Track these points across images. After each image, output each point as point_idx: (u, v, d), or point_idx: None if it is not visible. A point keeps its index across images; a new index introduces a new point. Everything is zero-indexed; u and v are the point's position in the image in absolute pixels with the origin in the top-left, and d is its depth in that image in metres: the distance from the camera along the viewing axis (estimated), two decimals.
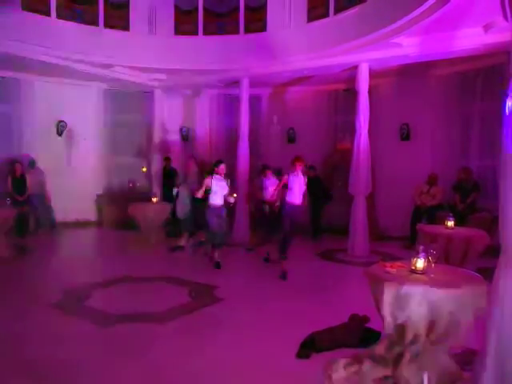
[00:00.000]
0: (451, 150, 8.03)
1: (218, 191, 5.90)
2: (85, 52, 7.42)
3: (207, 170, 6.78)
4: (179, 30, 8.05)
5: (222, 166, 6.01)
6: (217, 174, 5.95)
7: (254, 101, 9.70)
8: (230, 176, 9.18)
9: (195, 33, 8.01)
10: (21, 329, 3.84)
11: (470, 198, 7.17)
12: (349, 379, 2.99)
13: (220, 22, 7.99)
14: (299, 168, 5.68)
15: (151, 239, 7.66)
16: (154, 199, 8.03)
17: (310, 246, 7.18)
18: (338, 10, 6.77)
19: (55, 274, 5.97)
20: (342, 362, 3.12)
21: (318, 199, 8.44)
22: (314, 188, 8.28)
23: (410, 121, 8.54)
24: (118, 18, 7.76)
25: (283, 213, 5.76)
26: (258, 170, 7.71)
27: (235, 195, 8.44)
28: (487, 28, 5.52)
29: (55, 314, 4.25)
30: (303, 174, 5.77)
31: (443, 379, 2.77)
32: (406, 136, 8.63)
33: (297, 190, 5.70)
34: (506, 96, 2.51)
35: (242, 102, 8.44)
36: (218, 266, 6.02)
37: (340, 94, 9.47)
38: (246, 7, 7.81)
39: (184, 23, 8.06)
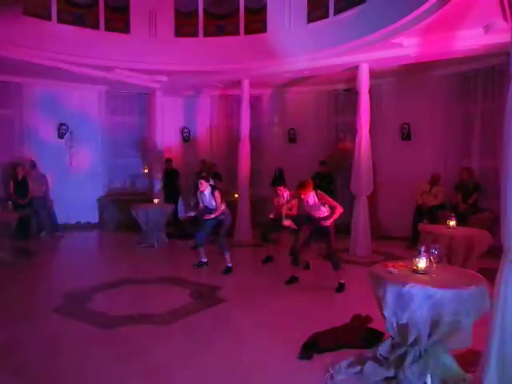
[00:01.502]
0: (452, 149, 8.03)
1: None
2: (85, 55, 7.43)
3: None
4: (179, 31, 8.06)
5: None
6: None
7: (255, 101, 9.71)
8: (231, 176, 9.30)
9: (195, 34, 8.02)
10: (23, 332, 3.85)
11: (471, 198, 7.17)
12: (351, 380, 2.99)
13: (220, 24, 8.00)
14: (305, 197, 5.17)
15: (153, 240, 7.67)
16: (156, 200, 8.04)
17: (311, 246, 7.16)
18: (338, 11, 6.77)
19: (57, 276, 5.99)
20: (345, 362, 3.13)
21: None
22: (325, 185, 8.29)
23: (410, 121, 8.54)
24: (119, 20, 7.77)
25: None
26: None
27: (237, 195, 8.50)
28: (487, 29, 5.52)
29: (57, 316, 4.25)
30: (315, 193, 5.22)
31: (446, 380, 2.77)
32: (407, 136, 8.63)
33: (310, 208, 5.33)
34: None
35: (243, 102, 8.45)
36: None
37: (341, 94, 9.48)
38: (246, 9, 7.82)
39: (184, 25, 8.06)
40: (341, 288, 5.21)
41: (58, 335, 3.80)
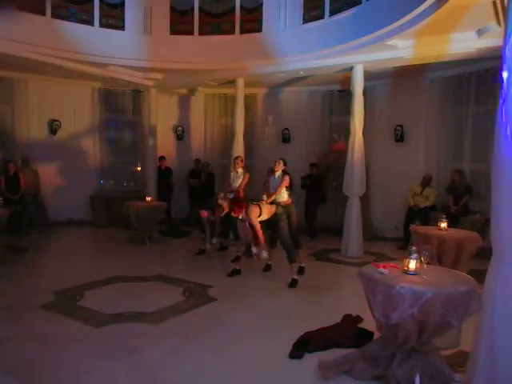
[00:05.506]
0: (444, 152, 8.08)
1: None
2: (80, 51, 7.39)
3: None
4: (175, 29, 8.03)
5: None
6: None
7: (249, 100, 9.71)
8: (224, 176, 9.29)
9: (191, 32, 8.00)
10: (12, 329, 3.81)
11: (462, 200, 7.23)
12: (341, 379, 3.01)
13: (216, 22, 7.99)
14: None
15: (146, 238, 7.65)
16: (149, 198, 8.01)
17: (304, 247, 7.19)
18: (333, 12, 6.80)
19: (48, 273, 5.95)
20: (335, 361, 3.14)
21: (313, 200, 8.49)
22: (317, 186, 8.36)
23: (404, 122, 8.58)
24: (114, 17, 7.74)
25: None
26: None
27: (223, 195, 8.49)
28: (480, 33, 5.58)
29: (47, 314, 4.22)
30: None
31: (435, 380, 2.80)
32: (400, 138, 8.68)
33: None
34: (502, 100, 2.53)
35: (237, 101, 8.45)
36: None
37: (335, 95, 9.52)
38: (242, 8, 7.82)
39: (180, 23, 8.05)
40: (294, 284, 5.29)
41: (48, 333, 3.77)
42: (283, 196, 5.71)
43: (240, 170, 6.80)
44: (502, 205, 2.53)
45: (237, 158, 7.05)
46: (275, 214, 5.39)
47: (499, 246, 2.56)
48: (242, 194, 6.58)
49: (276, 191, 5.61)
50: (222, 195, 6.20)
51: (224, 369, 3.19)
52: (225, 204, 5.38)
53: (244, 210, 5.13)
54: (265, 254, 5.25)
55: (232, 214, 5.23)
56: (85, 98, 9.62)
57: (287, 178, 5.67)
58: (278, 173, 5.76)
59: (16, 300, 4.62)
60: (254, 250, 5.30)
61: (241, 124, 8.46)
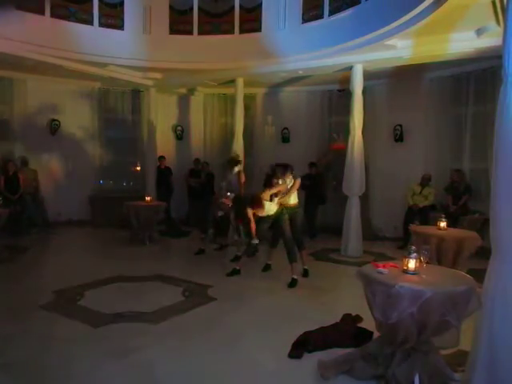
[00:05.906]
0: (444, 151, 8.10)
1: None
2: (79, 51, 7.38)
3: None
4: (174, 29, 8.04)
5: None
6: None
7: (249, 100, 9.71)
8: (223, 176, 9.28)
9: (190, 32, 8.00)
10: (12, 329, 3.80)
11: (462, 199, 7.24)
12: (340, 379, 3.01)
13: (215, 22, 7.99)
14: None
15: (145, 238, 7.65)
16: (148, 198, 8.01)
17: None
18: (332, 12, 6.80)
19: (48, 273, 5.95)
20: (334, 361, 3.15)
21: (313, 199, 8.49)
22: (316, 186, 8.37)
23: (403, 122, 8.60)
24: (113, 17, 7.73)
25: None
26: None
27: (229, 194, 8.50)
28: (480, 32, 5.59)
29: (47, 314, 4.22)
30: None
31: (434, 379, 2.80)
32: (399, 137, 8.68)
33: None
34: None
35: (237, 101, 8.45)
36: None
37: (334, 95, 9.52)
38: (241, 8, 7.82)
39: (179, 23, 8.04)
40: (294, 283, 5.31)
41: (48, 332, 3.77)
42: (293, 198, 5.65)
43: (235, 169, 6.80)
44: (501, 204, 2.53)
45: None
46: (280, 214, 5.39)
47: (498, 246, 2.57)
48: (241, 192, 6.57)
49: (289, 192, 5.55)
50: (226, 193, 6.23)
51: (224, 369, 3.19)
52: (228, 202, 5.40)
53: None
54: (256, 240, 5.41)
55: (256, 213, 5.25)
56: (84, 98, 9.62)
57: (298, 182, 5.61)
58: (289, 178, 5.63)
59: (16, 300, 4.61)
60: (255, 241, 5.36)
61: (240, 124, 8.46)
